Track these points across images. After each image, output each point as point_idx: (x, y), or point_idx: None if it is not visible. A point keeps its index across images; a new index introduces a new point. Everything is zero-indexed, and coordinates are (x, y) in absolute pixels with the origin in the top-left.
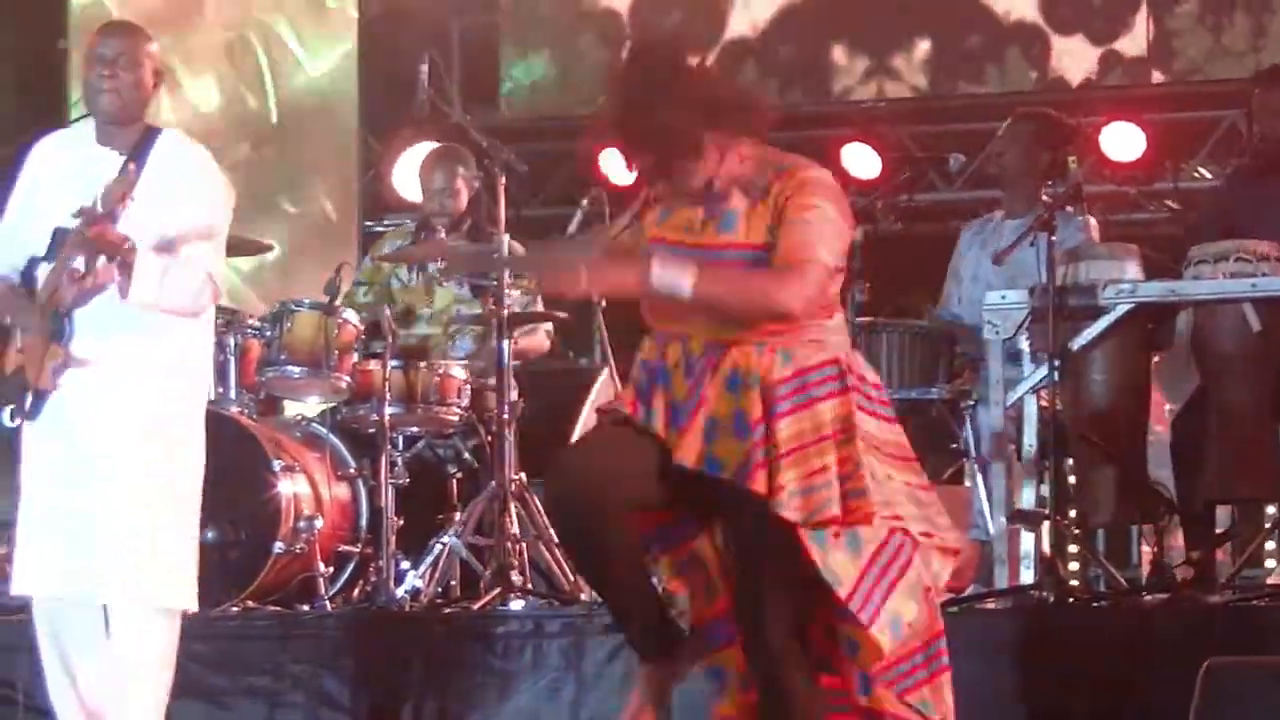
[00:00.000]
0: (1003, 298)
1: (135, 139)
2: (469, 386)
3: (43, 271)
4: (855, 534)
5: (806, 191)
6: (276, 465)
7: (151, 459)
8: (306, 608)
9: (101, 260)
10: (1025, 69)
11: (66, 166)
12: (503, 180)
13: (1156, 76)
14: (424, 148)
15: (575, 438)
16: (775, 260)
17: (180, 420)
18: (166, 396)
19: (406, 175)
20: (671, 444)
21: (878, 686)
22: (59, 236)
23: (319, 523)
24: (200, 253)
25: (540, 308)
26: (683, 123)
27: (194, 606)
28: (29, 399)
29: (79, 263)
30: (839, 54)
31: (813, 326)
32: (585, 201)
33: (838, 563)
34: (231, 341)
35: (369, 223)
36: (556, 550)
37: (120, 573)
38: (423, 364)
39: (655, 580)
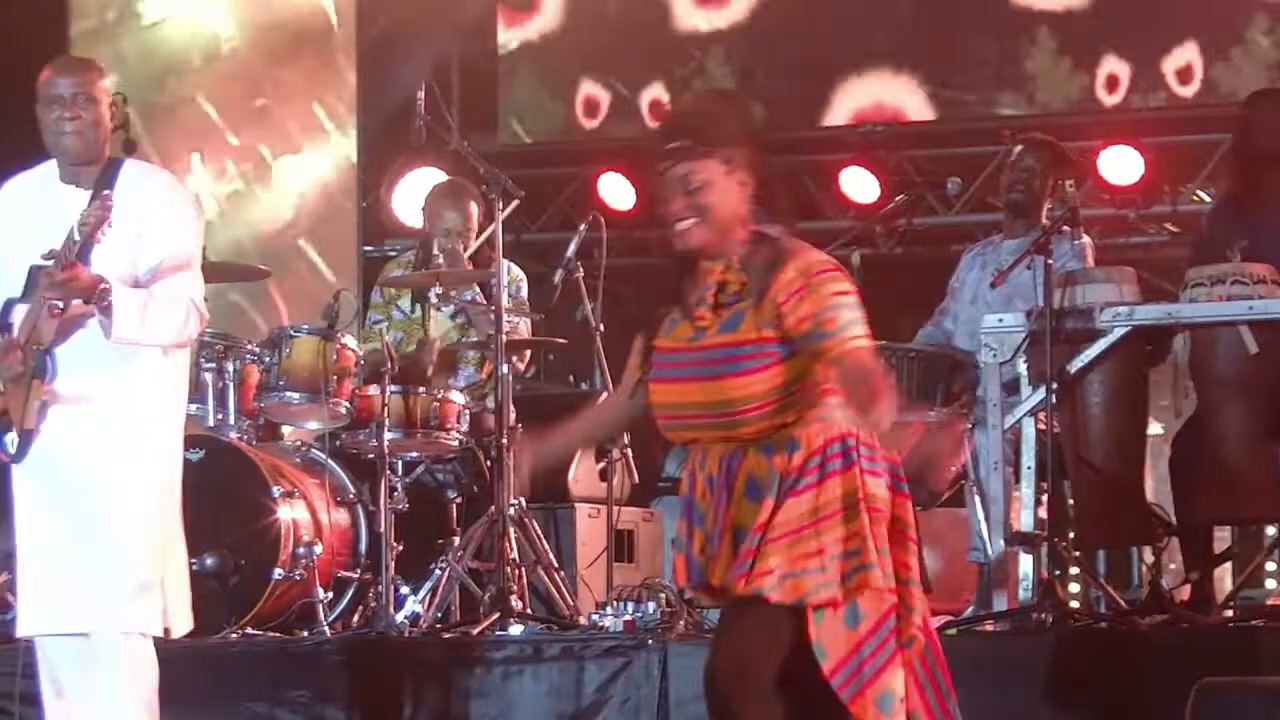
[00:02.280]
0: (1000, 321)
1: (99, 172)
2: (468, 412)
3: (19, 313)
4: (854, 606)
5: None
6: (276, 491)
7: (136, 487)
8: (306, 634)
9: (78, 300)
10: (1031, 93)
11: (34, 208)
12: (501, 205)
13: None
14: (423, 174)
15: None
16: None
17: (162, 446)
18: (148, 425)
19: (406, 201)
20: (706, 571)
21: None
22: (35, 276)
23: (318, 549)
24: (180, 282)
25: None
26: (726, 117)
27: (188, 627)
28: (15, 441)
29: (56, 300)
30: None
31: (820, 407)
32: (583, 226)
33: (828, 636)
34: (230, 367)
35: (369, 248)
36: (555, 574)
37: (106, 601)
38: (421, 389)
39: None
